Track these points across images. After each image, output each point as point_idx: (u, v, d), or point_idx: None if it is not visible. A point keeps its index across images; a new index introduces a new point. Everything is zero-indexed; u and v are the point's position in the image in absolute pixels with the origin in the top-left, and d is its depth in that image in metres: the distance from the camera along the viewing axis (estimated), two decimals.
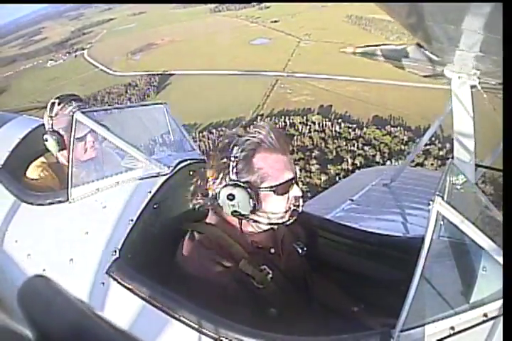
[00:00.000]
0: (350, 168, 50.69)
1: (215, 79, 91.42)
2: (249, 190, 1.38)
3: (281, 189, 1.42)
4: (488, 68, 1.93)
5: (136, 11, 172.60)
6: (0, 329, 1.82)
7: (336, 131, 61.55)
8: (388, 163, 49.60)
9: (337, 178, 46.89)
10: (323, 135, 60.90)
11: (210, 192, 1.45)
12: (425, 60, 2.19)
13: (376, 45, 2.85)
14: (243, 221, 1.45)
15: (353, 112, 67.14)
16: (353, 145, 56.94)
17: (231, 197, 1.38)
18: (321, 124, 63.58)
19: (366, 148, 55.96)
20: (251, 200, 1.38)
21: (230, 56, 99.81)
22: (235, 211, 1.41)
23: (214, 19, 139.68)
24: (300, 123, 64.56)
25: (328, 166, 52.60)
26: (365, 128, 60.81)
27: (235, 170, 1.39)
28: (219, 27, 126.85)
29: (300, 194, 1.47)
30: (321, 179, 50.21)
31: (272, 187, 1.41)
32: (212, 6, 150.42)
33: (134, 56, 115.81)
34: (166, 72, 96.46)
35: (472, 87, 2.21)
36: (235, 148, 1.40)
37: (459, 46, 1.54)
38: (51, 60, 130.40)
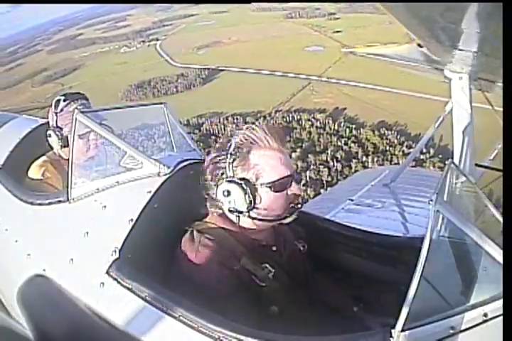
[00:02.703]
0: (329, 159, 56.10)
1: (257, 77, 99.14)
2: (244, 186, 1.39)
3: (278, 186, 1.43)
4: (488, 68, 1.93)
5: (218, 10, 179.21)
6: (0, 329, 1.82)
7: (334, 129, 65.73)
8: (364, 158, 54.59)
9: (312, 166, 53.11)
10: (321, 131, 65.29)
11: (209, 187, 1.47)
12: (425, 60, 2.19)
13: (377, 46, 2.85)
14: (242, 218, 1.45)
15: (363, 116, 70.29)
16: (341, 142, 61.27)
17: (226, 193, 1.40)
18: (323, 122, 67.99)
19: (353, 145, 59.97)
20: (247, 196, 1.39)
21: (282, 59, 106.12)
22: (232, 207, 1.42)
23: (283, 24, 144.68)
24: (306, 119, 69.45)
25: (309, 155, 56.85)
26: (361, 129, 64.07)
27: (231, 167, 1.42)
28: (284, 32, 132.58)
29: (298, 192, 1.48)
30: (297, 165, 53.45)
31: (268, 183, 1.42)
32: (287, 12, 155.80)
33: (198, 51, 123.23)
34: (218, 68, 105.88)
35: (472, 87, 2.21)
36: (232, 146, 1.43)
37: (459, 46, 1.54)
38: (126, 46, 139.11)
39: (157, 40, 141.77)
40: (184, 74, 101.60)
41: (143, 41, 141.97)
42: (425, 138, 4.17)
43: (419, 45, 1.92)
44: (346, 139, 61.71)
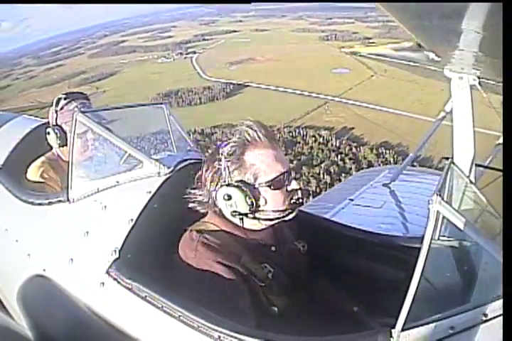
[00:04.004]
0: (321, 172, 57.96)
1: (278, 95, 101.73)
2: (244, 188, 1.39)
3: (277, 183, 1.43)
4: (488, 68, 1.93)
5: (260, 28, 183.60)
6: (0, 329, 1.82)
7: (336, 145, 67.77)
8: (355, 173, 55.69)
9: (303, 177, 54.68)
10: (323, 147, 67.15)
11: (207, 194, 1.46)
12: (425, 60, 2.19)
13: (376, 45, 2.85)
14: (244, 219, 1.45)
15: (368, 136, 71.48)
16: (338, 157, 63.19)
17: (227, 197, 1.40)
18: (326, 139, 70.06)
19: (348, 161, 61.86)
20: (247, 198, 1.39)
21: (308, 79, 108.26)
22: (234, 211, 1.41)
23: (318, 46, 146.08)
24: (311, 135, 71.45)
25: (303, 168, 58.31)
26: (361, 147, 65.79)
27: (227, 171, 1.41)
28: (317, 53, 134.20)
29: (297, 186, 1.47)
30: None
31: (266, 182, 1.41)
32: (324, 34, 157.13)
33: (231, 66, 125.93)
34: (244, 83, 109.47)
35: (472, 87, 2.21)
36: (225, 149, 1.43)
37: (459, 46, 1.54)
38: (164, 57, 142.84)
39: (194, 53, 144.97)
40: (210, 87, 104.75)
41: (180, 53, 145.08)
42: (424, 139, 4.17)
43: (419, 45, 1.91)
44: (344, 155, 63.51)
